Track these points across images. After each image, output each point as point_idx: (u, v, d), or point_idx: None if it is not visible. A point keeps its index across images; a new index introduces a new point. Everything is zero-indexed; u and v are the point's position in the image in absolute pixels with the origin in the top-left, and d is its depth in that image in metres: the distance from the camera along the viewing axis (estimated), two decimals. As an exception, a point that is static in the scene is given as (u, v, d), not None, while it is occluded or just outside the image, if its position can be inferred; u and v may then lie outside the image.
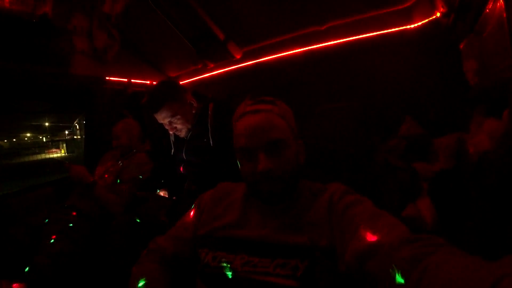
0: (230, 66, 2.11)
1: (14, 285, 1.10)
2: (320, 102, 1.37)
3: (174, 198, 1.50)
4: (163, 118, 1.41)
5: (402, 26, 1.42)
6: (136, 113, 2.24)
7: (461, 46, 1.13)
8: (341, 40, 1.58)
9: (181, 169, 1.51)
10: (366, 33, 1.51)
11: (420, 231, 0.52)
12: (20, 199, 1.77)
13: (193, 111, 1.47)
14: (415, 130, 1.20)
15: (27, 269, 1.21)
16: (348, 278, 0.58)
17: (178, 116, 1.41)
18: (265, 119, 0.70)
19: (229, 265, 0.66)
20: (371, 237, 0.54)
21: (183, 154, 1.50)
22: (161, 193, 1.77)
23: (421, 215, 0.91)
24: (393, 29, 1.45)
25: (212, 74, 2.24)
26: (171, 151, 1.61)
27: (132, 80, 2.30)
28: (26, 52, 1.60)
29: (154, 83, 2.41)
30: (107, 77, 2.12)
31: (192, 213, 0.85)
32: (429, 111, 1.33)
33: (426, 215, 0.91)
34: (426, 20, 1.34)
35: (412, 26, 1.39)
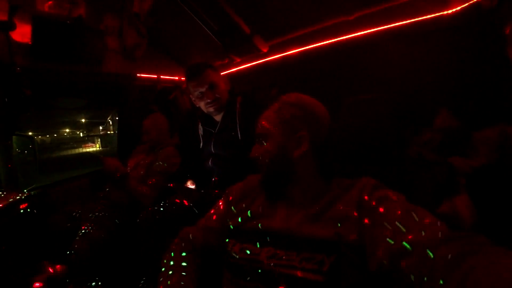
0: (256, 60, 2.10)
1: (57, 266, 1.20)
2: (349, 94, 1.32)
3: (202, 191, 1.53)
4: (202, 84, 1.43)
5: (438, 12, 1.32)
6: (164, 108, 2.32)
7: (507, 31, 1.04)
8: (371, 30, 1.51)
9: (209, 162, 1.54)
10: (398, 22, 1.43)
11: (457, 230, 0.49)
12: (60, 189, 1.91)
13: (226, 95, 1.49)
14: (452, 123, 1.13)
15: (68, 252, 1.31)
16: (375, 275, 0.56)
17: (217, 85, 1.45)
18: (263, 114, 0.80)
19: (255, 257, 0.67)
20: (405, 235, 0.52)
21: (211, 147, 1.52)
22: (189, 183, 1.82)
23: (458, 213, 0.86)
24: (427, 16, 1.35)
25: (238, 69, 2.24)
26: (199, 145, 1.64)
27: (161, 76, 2.37)
28: (63, 52, 1.71)
29: (182, 79, 2.47)
30: (138, 74, 2.20)
31: (221, 204, 0.87)
32: (467, 102, 1.24)
33: (463, 213, 0.85)
34: (466, 4, 1.23)
35: (450, 11, 1.29)
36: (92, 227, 1.46)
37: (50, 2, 1.57)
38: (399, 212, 0.57)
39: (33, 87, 1.66)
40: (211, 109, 1.48)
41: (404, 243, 0.51)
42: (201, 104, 1.50)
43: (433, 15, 1.34)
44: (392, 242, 0.52)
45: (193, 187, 1.82)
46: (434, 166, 0.97)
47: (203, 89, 1.44)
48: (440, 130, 1.11)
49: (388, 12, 1.42)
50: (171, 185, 1.72)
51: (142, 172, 1.73)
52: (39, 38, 1.56)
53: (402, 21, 1.42)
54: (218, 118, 1.52)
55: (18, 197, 1.46)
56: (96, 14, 1.84)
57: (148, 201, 1.56)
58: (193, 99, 1.53)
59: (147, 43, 2.02)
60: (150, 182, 1.63)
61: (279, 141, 0.74)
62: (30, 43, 1.55)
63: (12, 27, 1.14)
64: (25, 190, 1.66)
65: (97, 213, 1.57)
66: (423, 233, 0.50)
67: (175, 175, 1.77)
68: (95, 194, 1.80)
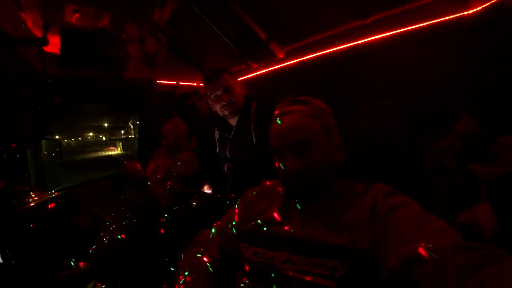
0: (273, 66, 2.12)
1: (80, 263, 1.27)
2: (366, 99, 1.30)
3: (218, 195, 1.56)
4: (219, 87, 1.48)
5: (457, 13, 1.28)
6: (183, 113, 2.38)
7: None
8: (388, 34, 1.48)
9: (225, 167, 1.56)
10: (415, 24, 1.39)
11: (477, 240, 0.48)
12: (84, 190, 2.00)
13: (242, 100, 1.52)
14: (473, 128, 1.09)
15: (90, 251, 1.37)
16: (388, 283, 0.55)
17: (233, 89, 1.49)
18: (292, 120, 0.72)
19: (268, 261, 0.67)
20: (419, 243, 0.51)
21: (227, 152, 1.54)
22: (205, 188, 1.86)
23: (479, 222, 0.83)
24: (446, 18, 1.31)
25: (255, 74, 2.27)
26: (215, 150, 1.67)
27: (180, 82, 2.44)
28: (89, 60, 1.80)
29: (201, 84, 2.53)
30: (158, 80, 2.28)
31: (236, 208, 0.89)
32: (491, 107, 1.19)
33: (485, 223, 0.82)
34: (487, 4, 1.19)
35: (470, 12, 1.25)
36: (113, 227, 1.52)
37: (77, 15, 1.68)
38: (413, 219, 0.56)
39: (61, 94, 1.76)
40: (226, 112, 1.52)
41: (417, 251, 0.50)
42: (217, 107, 1.54)
43: (452, 16, 1.30)
44: (405, 250, 0.52)
45: (209, 191, 1.85)
46: (453, 173, 0.94)
47: (219, 92, 1.49)
48: (461, 136, 1.07)
49: (405, 14, 1.39)
50: (189, 189, 1.76)
51: (160, 175, 1.78)
52: (67, 48, 1.66)
53: (419, 23, 1.38)
54: (233, 122, 1.55)
55: (46, 197, 1.54)
56: (119, 24, 1.93)
57: (166, 203, 1.61)
58: (210, 102, 1.57)
59: (166, 50, 2.10)
60: (168, 185, 1.68)
61: (325, 149, 0.71)
62: (59, 53, 1.65)
63: (46, 42, 1.24)
64: (52, 191, 1.75)
65: (117, 214, 1.63)
66: (437, 242, 0.49)
67: (193, 179, 1.81)
68: (116, 196, 1.88)
